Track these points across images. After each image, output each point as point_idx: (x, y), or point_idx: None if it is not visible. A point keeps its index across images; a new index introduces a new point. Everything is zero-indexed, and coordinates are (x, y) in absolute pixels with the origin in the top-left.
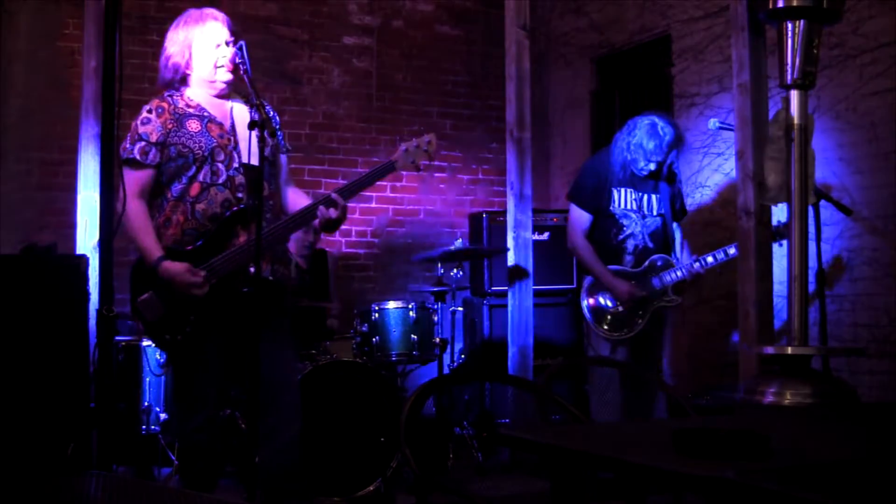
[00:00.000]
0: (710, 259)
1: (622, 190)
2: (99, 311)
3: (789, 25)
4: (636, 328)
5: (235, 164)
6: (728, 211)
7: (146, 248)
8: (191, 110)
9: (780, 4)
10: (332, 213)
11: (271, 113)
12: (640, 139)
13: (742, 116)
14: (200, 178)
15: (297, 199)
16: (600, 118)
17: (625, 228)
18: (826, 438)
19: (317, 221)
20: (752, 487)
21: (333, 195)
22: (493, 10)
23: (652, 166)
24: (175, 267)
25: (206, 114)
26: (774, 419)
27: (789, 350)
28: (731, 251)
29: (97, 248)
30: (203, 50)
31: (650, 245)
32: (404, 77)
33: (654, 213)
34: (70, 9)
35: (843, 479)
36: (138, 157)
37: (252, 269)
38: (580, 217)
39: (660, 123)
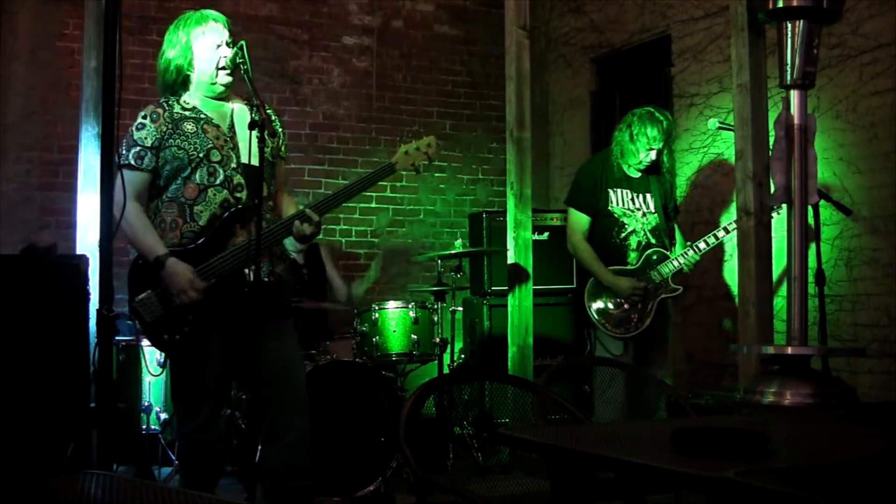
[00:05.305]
0: (702, 245)
1: (619, 191)
2: (99, 311)
3: (789, 25)
4: (644, 323)
5: (233, 165)
6: (728, 211)
7: (149, 245)
8: (187, 113)
9: (780, 4)
10: (306, 228)
11: (273, 117)
12: (642, 127)
13: (742, 116)
14: (197, 179)
15: (285, 207)
16: (600, 118)
17: (626, 227)
18: (826, 438)
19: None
20: (752, 487)
21: (308, 211)
22: (493, 10)
23: (653, 155)
24: (181, 266)
25: (202, 116)
26: (774, 419)
27: (789, 350)
28: (721, 234)
29: (97, 248)
30: (204, 52)
31: (652, 241)
32: (404, 77)
33: (652, 210)
34: (70, 9)
35: (842, 479)
36: (133, 161)
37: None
38: (578, 220)
39: (656, 111)
